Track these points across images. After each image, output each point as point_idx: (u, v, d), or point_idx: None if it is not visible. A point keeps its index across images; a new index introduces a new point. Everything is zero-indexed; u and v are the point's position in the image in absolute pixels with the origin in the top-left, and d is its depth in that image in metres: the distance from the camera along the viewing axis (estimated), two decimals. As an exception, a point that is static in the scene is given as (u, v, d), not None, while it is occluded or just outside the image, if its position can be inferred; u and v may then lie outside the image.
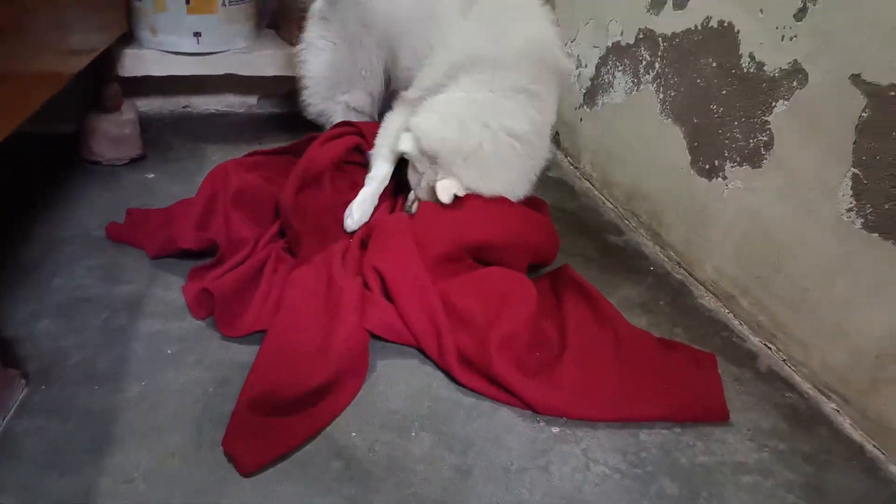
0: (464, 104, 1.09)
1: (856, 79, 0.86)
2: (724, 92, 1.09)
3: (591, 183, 1.55)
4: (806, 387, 0.96)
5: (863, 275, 0.88)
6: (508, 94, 1.09)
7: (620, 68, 1.40)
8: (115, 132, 1.41)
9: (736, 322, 1.09)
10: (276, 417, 0.80)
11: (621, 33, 1.38)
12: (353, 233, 1.15)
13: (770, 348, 1.03)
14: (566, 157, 1.68)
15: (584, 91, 1.56)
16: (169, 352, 0.92)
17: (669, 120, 1.23)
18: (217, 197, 1.16)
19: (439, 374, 0.93)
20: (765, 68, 1.00)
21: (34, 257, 1.10)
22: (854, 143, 0.87)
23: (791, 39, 0.95)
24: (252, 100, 1.84)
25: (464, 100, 1.10)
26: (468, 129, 1.07)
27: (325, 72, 1.36)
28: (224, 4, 1.47)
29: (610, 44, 1.43)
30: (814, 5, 0.91)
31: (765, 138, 1.01)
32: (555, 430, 0.85)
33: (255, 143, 1.63)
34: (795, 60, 0.94)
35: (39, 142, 1.43)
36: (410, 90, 1.25)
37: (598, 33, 1.48)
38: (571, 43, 1.61)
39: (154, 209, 1.22)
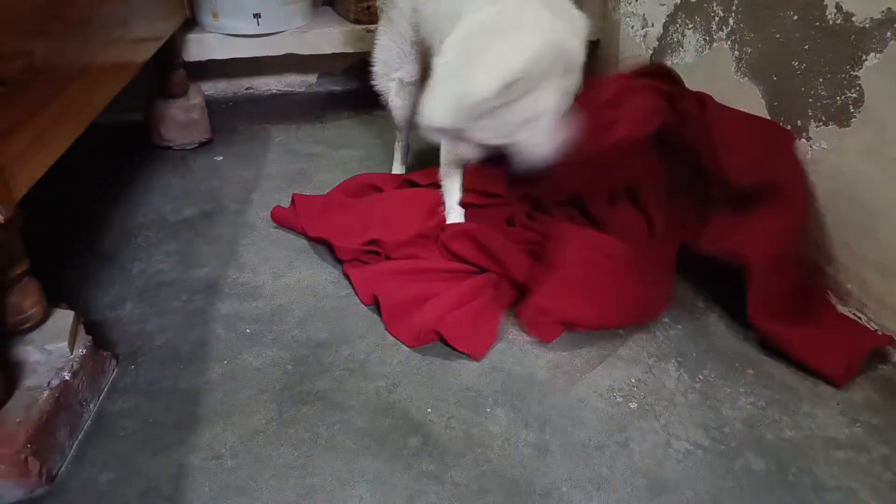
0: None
1: (960, 24, 0.78)
2: (806, 46, 1.02)
3: (659, 148, 1.49)
4: (901, 357, 0.91)
5: (967, 238, 0.81)
6: None
7: (691, 26, 1.33)
8: (183, 117, 1.44)
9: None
10: None
11: (690, -11, 1.31)
12: None
13: (860, 318, 0.98)
14: (632, 122, 1.62)
15: (651, 52, 1.49)
16: (248, 331, 0.95)
17: (746, 79, 1.17)
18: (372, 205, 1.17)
19: (512, 350, 0.92)
20: (853, 19, 0.93)
21: (114, 244, 1.14)
22: (958, 96, 0.80)
23: (884, -15, 0.88)
24: (312, 78, 1.85)
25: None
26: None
27: (381, 54, 1.34)
28: (282, -16, 1.47)
29: (679, 0, 1.36)
30: (911, -54, 0.84)
31: (854, 95, 0.94)
32: (633, 405, 0.83)
33: (317, 122, 1.65)
34: (889, 9, 0.87)
35: (109, 131, 1.48)
36: None
37: (664, -10, 1.41)
38: (636, 2, 1.54)
39: (315, 196, 1.23)
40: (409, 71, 1.26)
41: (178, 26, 1.42)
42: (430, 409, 0.83)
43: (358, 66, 1.85)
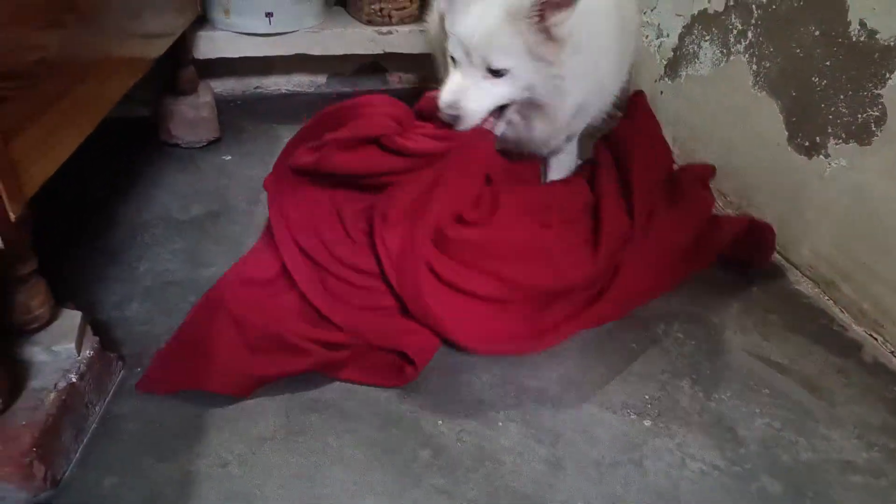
0: None
1: None
2: (827, 63, 1.01)
3: (672, 158, 1.48)
4: (917, 380, 0.90)
5: None
6: None
7: (707, 38, 1.32)
8: (192, 115, 1.43)
9: (836, 309, 1.03)
10: None
11: (709, 0, 1.30)
12: None
13: (875, 338, 0.97)
14: (643, 132, 1.61)
15: (665, 62, 1.48)
16: (255, 336, 0.93)
17: (764, 93, 1.16)
18: None
19: (524, 363, 0.91)
20: (877, 36, 0.92)
21: (121, 241, 1.13)
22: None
23: (911, 4, 0.87)
24: (321, 79, 1.83)
25: None
26: None
27: None
28: (295, -17, 1.46)
29: (696, 12, 1.35)
30: (940, -35, 0.83)
31: (876, 113, 0.93)
32: (647, 423, 0.82)
33: (326, 123, 1.63)
34: (916, 27, 0.86)
35: (116, 126, 1.45)
36: None
37: (681, 0, 1.40)
38: (651, 11, 1.53)
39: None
40: None
41: (189, 22, 1.41)
42: (440, 422, 0.81)
43: (368, 67, 1.84)
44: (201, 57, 1.51)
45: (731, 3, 1.23)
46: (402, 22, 1.59)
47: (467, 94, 0.93)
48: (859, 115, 0.96)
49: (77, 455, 0.74)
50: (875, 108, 0.93)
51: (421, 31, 1.59)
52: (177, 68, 1.42)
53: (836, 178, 1.01)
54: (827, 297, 1.05)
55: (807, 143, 1.06)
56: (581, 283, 0.97)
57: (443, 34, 0.99)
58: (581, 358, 0.92)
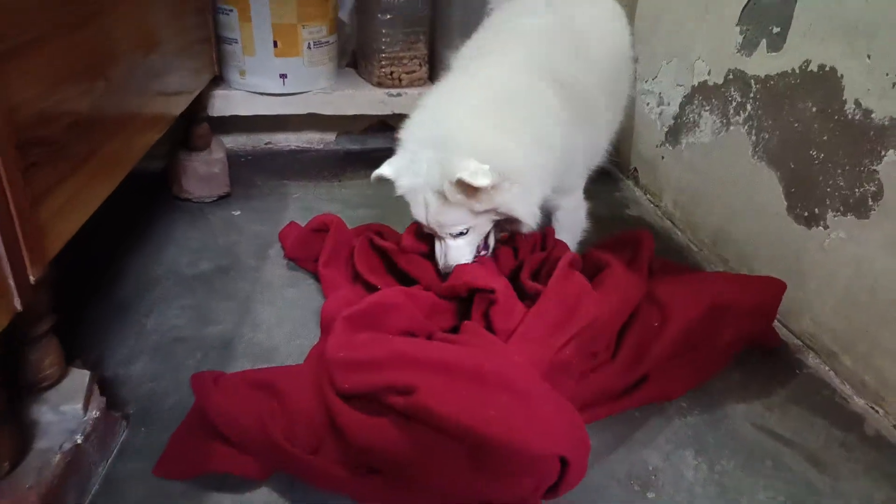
0: None
1: (980, 131, 0.80)
2: (825, 138, 1.04)
3: (673, 223, 1.51)
4: (920, 455, 0.90)
5: None
6: None
7: (707, 108, 1.36)
8: (204, 171, 1.46)
9: (838, 381, 1.03)
10: None
11: (708, 73, 1.35)
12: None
13: (877, 411, 0.97)
14: (646, 194, 1.65)
15: (667, 129, 1.53)
16: (260, 396, 0.93)
17: (763, 163, 1.19)
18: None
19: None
20: (872, 116, 0.95)
21: (129, 296, 1.14)
22: (978, 199, 0.81)
23: (904, 87, 0.90)
24: (331, 136, 1.88)
25: None
26: None
27: None
28: (309, 47, 1.51)
29: (696, 83, 1.40)
30: (930, 52, 0.87)
31: (873, 188, 0.96)
32: (651, 495, 0.82)
33: (335, 181, 1.67)
34: (909, 109, 0.90)
35: (129, 179, 1.48)
36: None
37: (681, 72, 1.45)
38: (653, 80, 1.58)
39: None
40: None
41: (207, 82, 1.46)
42: None
43: (376, 127, 1.89)
44: (216, 114, 1.56)
45: (731, 76, 1.28)
46: (411, 84, 1.65)
47: (449, 255, 1.01)
48: (857, 190, 0.99)
49: (79, 518, 0.74)
50: (872, 184, 0.96)
51: (429, 93, 1.64)
52: (191, 125, 1.46)
53: (836, 250, 1.03)
54: (828, 368, 1.06)
55: (806, 214, 1.09)
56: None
57: None
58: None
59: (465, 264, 0.99)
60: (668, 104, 1.52)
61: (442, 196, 0.94)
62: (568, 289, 0.92)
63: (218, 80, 1.58)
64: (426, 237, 1.06)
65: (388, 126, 1.90)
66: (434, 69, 1.70)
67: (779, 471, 0.86)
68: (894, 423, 0.95)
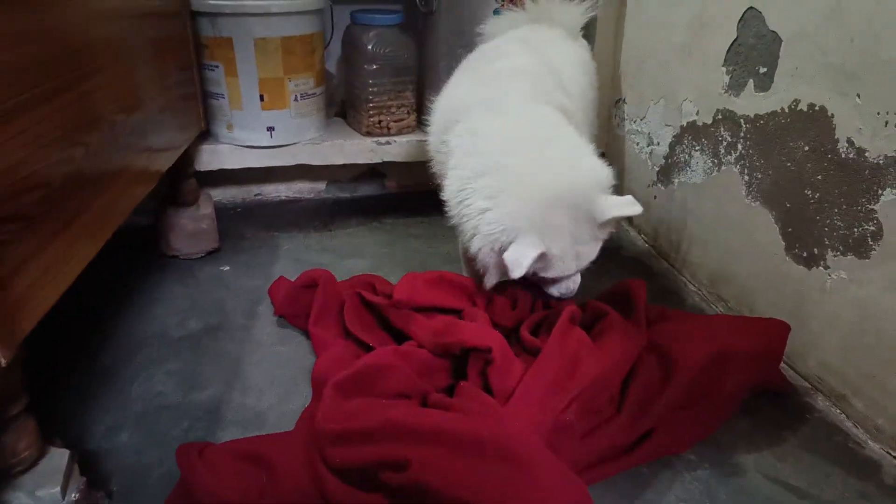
0: None
1: (979, 168, 0.79)
2: (819, 177, 1.03)
3: (669, 263, 1.49)
4: (942, 504, 0.86)
5: None
6: None
7: (698, 148, 1.35)
8: (192, 227, 1.44)
9: (850, 424, 1.00)
10: None
11: (697, 113, 1.35)
12: None
13: (894, 456, 0.93)
14: (640, 234, 1.63)
15: (658, 169, 1.52)
16: (250, 466, 0.89)
17: (757, 203, 1.17)
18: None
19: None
20: (866, 154, 0.94)
21: (114, 361, 1.10)
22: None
23: (896, 125, 0.89)
24: (321, 185, 1.87)
25: None
26: None
27: None
28: (296, 99, 1.51)
29: (685, 123, 1.39)
30: (921, 90, 0.86)
31: (872, 228, 0.94)
32: (664, 560, 0.78)
33: (325, 230, 1.65)
34: (903, 147, 0.88)
35: (115, 236, 1.46)
36: None
37: (669, 112, 1.45)
38: (641, 121, 1.58)
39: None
40: None
41: (194, 137, 1.44)
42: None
43: (367, 174, 1.88)
44: (204, 168, 1.54)
45: (719, 116, 1.27)
46: (400, 132, 1.64)
47: (576, 282, 1.04)
48: (855, 229, 0.97)
49: None
50: (870, 223, 0.94)
51: (419, 140, 1.63)
52: (178, 180, 1.44)
53: (837, 291, 1.01)
54: (839, 411, 1.02)
55: (805, 255, 1.07)
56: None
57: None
58: (591, 485, 0.88)
59: (458, 320, 0.96)
60: (658, 144, 1.51)
61: (593, 238, 0.96)
62: (568, 346, 0.89)
63: (205, 135, 1.57)
64: (420, 289, 1.04)
65: (378, 174, 1.89)
66: (422, 116, 1.69)
67: (796, 528, 0.82)
68: (912, 470, 0.91)
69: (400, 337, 1.04)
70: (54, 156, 0.75)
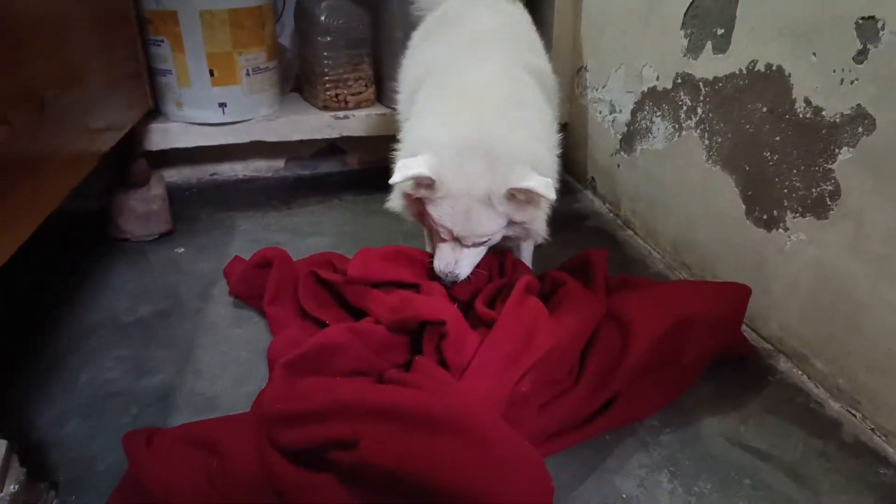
0: None
1: (932, 122, 0.78)
2: (777, 138, 1.02)
3: (634, 231, 1.48)
4: (900, 459, 0.87)
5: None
6: None
7: (659, 114, 1.34)
8: (143, 209, 1.39)
9: (811, 385, 1.00)
10: None
11: (657, 78, 1.33)
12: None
13: (854, 415, 0.94)
14: (604, 203, 1.62)
15: (620, 137, 1.50)
16: (203, 452, 0.86)
17: (718, 167, 1.16)
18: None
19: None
20: (823, 113, 0.93)
21: (62, 348, 1.06)
22: (936, 192, 0.79)
23: (852, 83, 0.88)
24: (280, 163, 1.82)
25: None
26: None
27: None
28: (248, 74, 1.45)
29: (645, 89, 1.38)
30: (875, 47, 0.85)
31: (829, 187, 0.93)
32: (626, 527, 0.77)
33: (285, 209, 1.60)
34: (859, 105, 0.87)
35: (62, 220, 1.41)
36: None
37: (630, 78, 1.43)
38: (602, 88, 1.56)
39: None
40: None
41: (140, 116, 1.39)
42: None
43: (326, 150, 1.83)
44: (154, 148, 1.49)
45: (679, 80, 1.25)
46: (358, 106, 1.60)
47: (460, 263, 0.98)
48: (813, 190, 0.96)
49: None
50: (828, 183, 0.94)
51: (378, 114, 1.59)
52: (127, 161, 1.39)
53: (797, 253, 1.01)
54: (801, 372, 1.02)
55: (765, 217, 1.06)
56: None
57: (413, 210, 0.99)
58: (551, 456, 0.87)
59: (414, 295, 0.94)
60: (620, 111, 1.49)
61: (487, 203, 0.91)
62: (523, 316, 0.87)
63: (155, 114, 1.51)
64: (375, 265, 1.01)
65: (338, 149, 1.85)
66: (381, 89, 1.65)
67: (758, 489, 0.82)
68: (872, 426, 0.91)
69: (358, 314, 1.01)
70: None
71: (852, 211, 0.91)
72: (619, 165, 1.53)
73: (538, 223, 0.98)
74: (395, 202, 0.99)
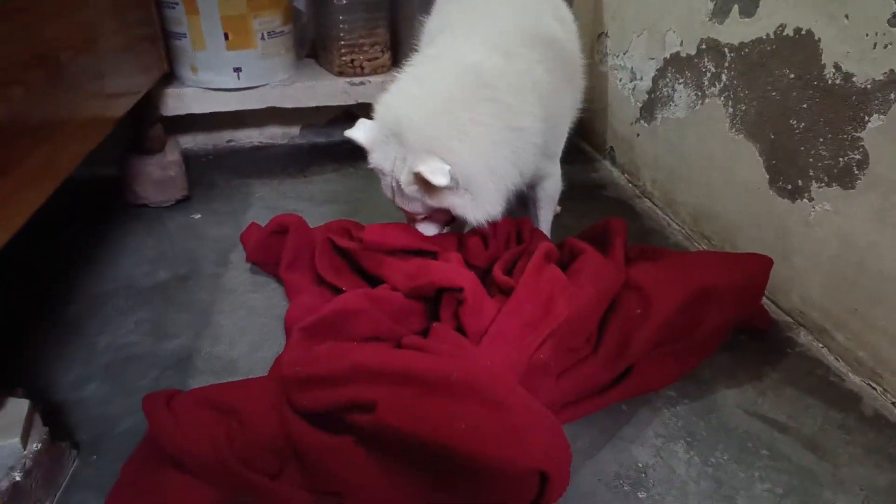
0: None
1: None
2: (804, 105, 0.99)
3: (652, 202, 1.46)
4: (920, 433, 0.86)
5: None
6: None
7: (681, 81, 1.31)
8: (159, 175, 1.38)
9: (832, 357, 0.99)
10: None
11: (680, 44, 1.29)
12: None
13: (875, 388, 0.93)
14: (623, 173, 1.60)
15: (641, 105, 1.47)
16: (221, 414, 0.87)
17: (741, 136, 1.14)
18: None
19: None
20: (854, 80, 0.90)
21: (80, 313, 1.07)
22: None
23: (885, 47, 0.85)
24: (295, 130, 1.81)
25: None
26: None
27: None
28: (262, 38, 1.43)
29: (668, 55, 1.34)
30: (912, 8, 0.82)
31: (857, 156, 0.91)
32: (641, 494, 0.77)
33: (300, 176, 1.60)
34: (892, 70, 0.84)
35: (79, 186, 1.41)
36: None
37: (653, 44, 1.39)
38: (624, 55, 1.52)
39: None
40: None
41: (155, 80, 1.38)
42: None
43: (342, 118, 1.81)
44: (169, 114, 1.48)
45: (703, 46, 1.22)
46: (374, 72, 1.57)
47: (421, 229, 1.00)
48: (840, 159, 0.94)
49: (21, 564, 0.68)
50: (856, 152, 0.91)
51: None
52: (143, 127, 1.38)
53: (821, 223, 0.99)
54: (821, 345, 1.01)
55: (789, 187, 1.04)
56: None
57: None
58: (568, 424, 0.87)
59: (431, 261, 0.93)
60: (641, 79, 1.46)
61: (398, 184, 0.91)
62: (542, 284, 0.87)
63: (170, 78, 1.50)
64: (391, 233, 1.00)
65: (353, 116, 1.82)
66: (397, 55, 1.62)
67: (775, 460, 0.82)
68: (893, 400, 0.90)
69: (374, 282, 1.01)
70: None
71: (880, 180, 0.88)
72: (638, 134, 1.50)
73: (469, 215, 0.92)
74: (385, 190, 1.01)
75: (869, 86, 0.88)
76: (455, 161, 0.86)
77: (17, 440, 0.70)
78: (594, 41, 1.66)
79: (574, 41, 1.11)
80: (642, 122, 1.48)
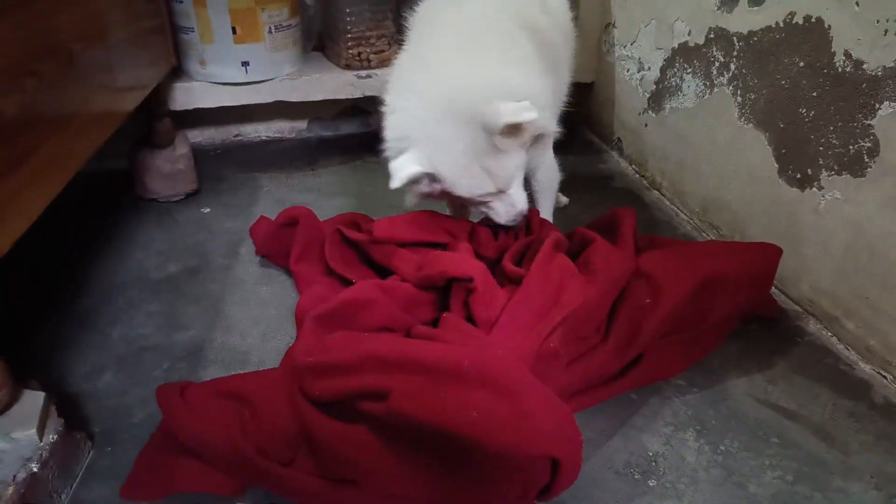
0: None
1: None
2: (814, 94, 0.99)
3: (661, 193, 1.46)
4: (931, 421, 0.86)
5: None
6: None
7: (689, 70, 1.30)
8: (168, 168, 1.39)
9: (841, 346, 0.99)
10: None
11: (688, 33, 1.29)
12: None
13: (885, 377, 0.93)
14: (631, 164, 1.59)
15: (649, 95, 1.47)
16: (234, 405, 0.88)
17: (750, 125, 1.13)
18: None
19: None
20: (864, 67, 0.90)
21: (92, 305, 1.08)
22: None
23: (897, 33, 0.85)
24: (302, 124, 1.81)
25: None
26: None
27: None
28: (270, 32, 1.44)
29: (676, 45, 1.34)
30: (924, -6, 0.81)
31: (868, 144, 0.91)
32: (651, 482, 0.77)
33: (308, 170, 1.60)
34: (903, 57, 0.84)
35: (90, 180, 1.42)
36: None
37: (661, 34, 1.39)
38: (631, 45, 1.52)
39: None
40: None
41: (164, 74, 1.38)
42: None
43: (349, 111, 1.82)
44: (178, 108, 1.48)
45: (712, 35, 1.22)
46: (380, 65, 1.57)
47: (519, 201, 0.96)
48: (851, 147, 0.94)
49: (40, 552, 0.69)
50: (867, 139, 0.91)
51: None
52: (152, 121, 1.39)
53: (831, 212, 0.99)
54: (830, 334, 1.01)
55: (798, 176, 1.04)
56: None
57: (437, 197, 0.97)
58: (579, 412, 0.87)
59: (440, 252, 0.93)
60: (649, 69, 1.46)
61: (494, 151, 0.87)
62: (551, 273, 0.87)
63: (178, 72, 1.50)
64: (401, 226, 1.00)
65: (360, 110, 1.83)
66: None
67: (785, 448, 0.82)
68: (902, 388, 0.90)
69: (383, 273, 1.01)
70: (4, 83, 0.70)
71: (891, 168, 0.88)
72: (646, 125, 1.50)
73: (549, 127, 0.94)
74: (410, 200, 0.98)
75: (880, 73, 0.88)
76: (516, 90, 0.86)
77: (33, 432, 0.71)
78: (601, 32, 1.66)
79: (563, 32, 1.12)
80: (650, 112, 1.47)
